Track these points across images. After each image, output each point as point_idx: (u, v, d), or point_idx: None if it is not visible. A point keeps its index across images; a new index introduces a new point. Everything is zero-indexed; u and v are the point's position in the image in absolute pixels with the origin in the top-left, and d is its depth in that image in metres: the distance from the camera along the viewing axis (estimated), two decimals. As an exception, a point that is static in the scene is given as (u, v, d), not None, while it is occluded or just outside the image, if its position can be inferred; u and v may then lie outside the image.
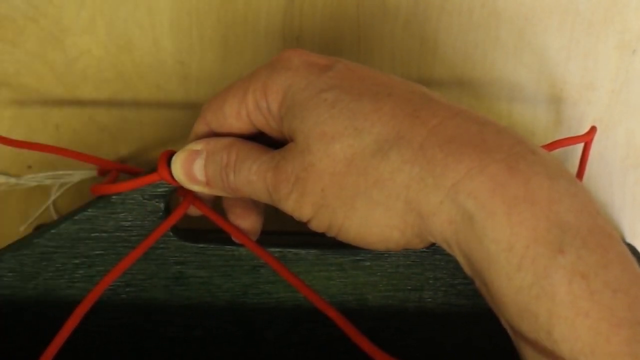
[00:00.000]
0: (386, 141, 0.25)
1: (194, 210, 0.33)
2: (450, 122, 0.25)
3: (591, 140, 0.37)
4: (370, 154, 0.26)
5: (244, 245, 0.33)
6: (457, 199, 0.24)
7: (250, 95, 0.29)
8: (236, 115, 0.29)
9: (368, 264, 0.35)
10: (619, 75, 0.40)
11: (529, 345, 0.23)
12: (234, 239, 0.33)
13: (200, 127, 0.31)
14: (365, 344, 0.29)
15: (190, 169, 0.30)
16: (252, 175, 0.28)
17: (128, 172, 0.36)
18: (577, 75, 0.40)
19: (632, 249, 0.40)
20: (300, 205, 0.27)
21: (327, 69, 0.28)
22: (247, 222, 0.33)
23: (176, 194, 0.33)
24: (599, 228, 0.23)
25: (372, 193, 0.26)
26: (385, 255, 0.35)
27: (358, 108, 0.26)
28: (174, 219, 0.32)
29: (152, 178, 0.32)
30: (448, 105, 0.26)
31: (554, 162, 0.25)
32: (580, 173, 0.37)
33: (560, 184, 0.24)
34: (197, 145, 0.30)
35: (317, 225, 0.28)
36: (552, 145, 0.34)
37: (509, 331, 0.25)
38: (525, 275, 0.23)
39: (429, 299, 0.36)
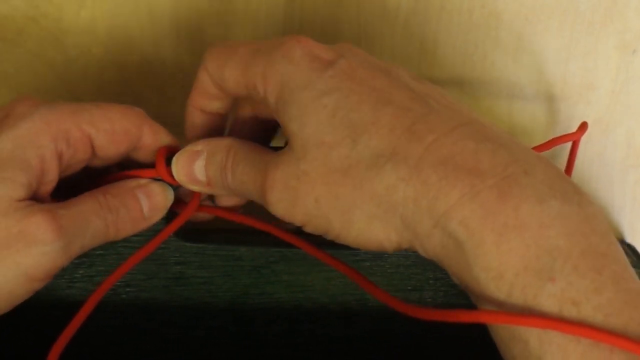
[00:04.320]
0: (382, 156, 0.25)
1: (200, 216, 0.33)
2: (447, 138, 0.25)
3: (580, 137, 0.37)
4: (365, 167, 0.25)
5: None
6: (448, 226, 0.24)
7: (251, 76, 0.28)
8: (235, 82, 0.29)
9: (368, 264, 0.35)
10: (619, 75, 0.40)
11: None
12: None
13: (203, 76, 0.30)
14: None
15: (191, 169, 0.30)
16: (244, 177, 0.29)
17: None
18: (577, 75, 0.40)
19: (632, 249, 0.40)
20: (292, 213, 0.27)
21: (328, 65, 0.27)
22: (231, 202, 0.33)
23: (177, 193, 0.33)
24: (592, 249, 0.23)
25: (369, 206, 0.26)
26: (386, 255, 0.35)
27: (357, 119, 0.26)
28: (180, 221, 0.31)
29: (149, 174, 0.31)
30: (448, 116, 0.26)
31: (547, 181, 0.24)
32: (568, 170, 0.37)
33: (552, 206, 0.24)
34: (198, 146, 0.30)
35: (313, 230, 0.28)
36: (546, 145, 0.34)
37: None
38: (515, 303, 0.23)
39: (429, 299, 0.36)
